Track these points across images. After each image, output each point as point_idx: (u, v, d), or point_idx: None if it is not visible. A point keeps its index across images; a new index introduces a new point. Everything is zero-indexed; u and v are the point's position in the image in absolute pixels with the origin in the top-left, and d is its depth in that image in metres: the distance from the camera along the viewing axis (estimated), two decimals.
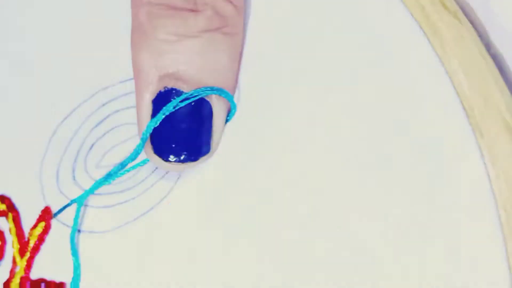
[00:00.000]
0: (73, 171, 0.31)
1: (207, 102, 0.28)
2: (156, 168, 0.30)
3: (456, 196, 0.25)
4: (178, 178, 0.30)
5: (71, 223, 0.30)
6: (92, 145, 0.31)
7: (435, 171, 0.25)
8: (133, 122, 0.31)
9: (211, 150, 0.28)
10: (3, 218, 0.32)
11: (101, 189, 0.31)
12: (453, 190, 0.25)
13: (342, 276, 0.26)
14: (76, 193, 0.31)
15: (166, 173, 0.30)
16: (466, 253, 0.24)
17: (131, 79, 0.31)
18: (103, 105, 0.32)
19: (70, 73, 0.33)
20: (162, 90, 0.28)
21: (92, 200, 0.31)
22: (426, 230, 0.25)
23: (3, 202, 0.32)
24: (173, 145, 0.28)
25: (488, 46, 0.27)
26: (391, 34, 0.27)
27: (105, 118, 0.31)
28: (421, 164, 0.25)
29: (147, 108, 0.28)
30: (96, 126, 0.31)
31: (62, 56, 0.33)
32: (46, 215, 0.31)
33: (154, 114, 0.28)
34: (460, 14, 0.26)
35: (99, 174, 0.31)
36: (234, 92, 0.29)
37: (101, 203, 0.31)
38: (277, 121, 0.28)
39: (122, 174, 0.30)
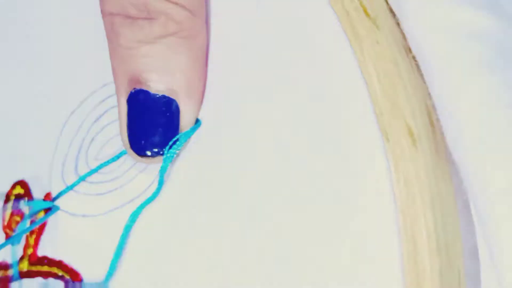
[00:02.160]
0: (76, 163, 0.35)
1: (173, 100, 0.31)
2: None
3: (361, 198, 0.26)
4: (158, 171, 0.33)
5: (66, 207, 0.35)
6: (92, 139, 0.35)
7: (344, 171, 0.26)
8: None
9: (180, 146, 0.31)
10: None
11: (96, 178, 0.35)
12: (359, 191, 0.26)
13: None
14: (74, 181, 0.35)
15: (147, 166, 0.33)
16: (367, 254, 0.25)
17: None
18: (102, 101, 0.35)
19: (74, 71, 0.36)
20: (133, 91, 0.31)
21: (87, 188, 0.35)
22: (332, 230, 0.26)
23: (22, 187, 0.37)
24: (143, 142, 0.31)
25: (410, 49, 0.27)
26: (317, 39, 0.28)
27: (103, 114, 0.35)
28: (332, 163, 0.26)
29: (123, 107, 0.31)
30: (96, 121, 0.35)
31: (65, 54, 0.37)
32: (47, 200, 0.35)
33: (128, 112, 0.31)
34: (380, 19, 0.27)
35: (97, 164, 0.35)
36: (202, 88, 0.32)
37: (94, 191, 0.34)
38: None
39: (99, 168, 0.34)
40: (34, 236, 0.35)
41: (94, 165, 0.35)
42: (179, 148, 0.31)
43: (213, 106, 0.31)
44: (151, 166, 0.33)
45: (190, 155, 0.32)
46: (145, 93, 0.31)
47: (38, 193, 0.36)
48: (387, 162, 0.25)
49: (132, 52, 0.30)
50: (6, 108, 0.38)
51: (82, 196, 0.34)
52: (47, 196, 0.35)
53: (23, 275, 0.35)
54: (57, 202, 0.35)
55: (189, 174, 0.32)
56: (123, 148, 0.34)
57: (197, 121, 0.32)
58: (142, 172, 0.33)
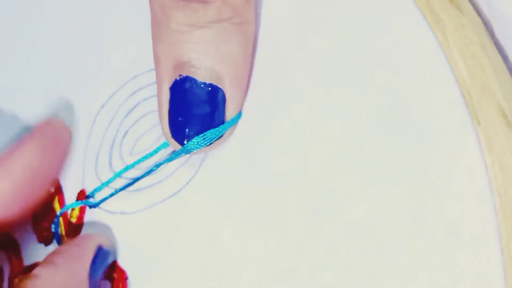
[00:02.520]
0: (110, 157, 0.33)
1: (220, 89, 0.29)
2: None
3: (454, 182, 0.25)
4: (201, 163, 0.31)
5: (104, 205, 0.33)
6: (126, 133, 0.33)
7: (433, 156, 0.26)
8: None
9: (224, 136, 0.30)
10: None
11: (131, 174, 0.33)
12: (451, 176, 0.25)
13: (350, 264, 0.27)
14: (109, 177, 0.33)
15: (189, 158, 0.32)
16: (463, 237, 0.25)
17: None
18: (133, 93, 0.33)
19: (102, 63, 0.35)
20: (178, 78, 0.29)
21: (122, 184, 0.33)
22: (424, 215, 0.25)
23: (52, 185, 0.34)
24: (187, 130, 0.29)
25: (492, 34, 0.27)
26: (395, 23, 0.27)
27: (135, 106, 0.33)
28: (420, 149, 0.26)
29: (165, 95, 0.30)
30: (128, 114, 0.33)
31: (94, 47, 0.35)
32: (81, 197, 0.33)
33: (171, 100, 0.29)
34: (463, 4, 0.26)
35: (132, 160, 0.33)
36: (247, 78, 0.30)
37: (133, 187, 0.33)
38: (289, 113, 0.29)
39: (137, 163, 0.32)
40: (70, 234, 0.32)
41: (129, 160, 0.33)
42: (218, 137, 0.30)
43: (268, 99, 0.30)
44: (193, 158, 0.32)
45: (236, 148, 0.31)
46: (192, 80, 0.29)
47: (70, 191, 0.34)
48: (478, 145, 0.25)
49: (182, 37, 0.29)
50: (34, 104, 0.36)
51: (120, 192, 0.32)
52: (81, 194, 0.33)
53: None
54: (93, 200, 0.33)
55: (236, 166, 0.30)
56: (160, 142, 0.33)
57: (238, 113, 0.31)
58: (183, 165, 0.32)
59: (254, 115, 0.30)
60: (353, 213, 0.27)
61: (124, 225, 0.32)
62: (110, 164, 0.33)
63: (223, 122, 0.30)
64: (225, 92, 0.29)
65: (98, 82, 0.35)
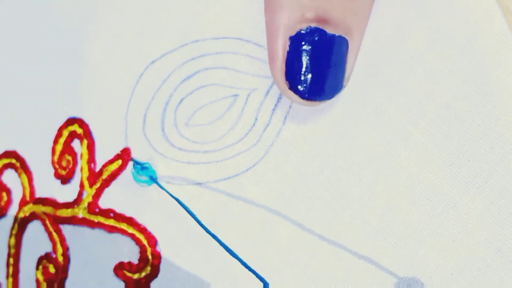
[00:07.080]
0: (162, 122, 0.31)
1: (346, 40, 0.27)
2: (244, 137, 0.30)
3: None
4: (265, 154, 0.30)
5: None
6: (182, 100, 0.31)
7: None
8: (222, 84, 0.30)
9: (343, 87, 0.28)
10: (77, 142, 0.33)
11: (187, 146, 0.31)
12: None
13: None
14: (162, 145, 0.31)
15: (254, 144, 0.30)
16: None
17: (224, 37, 0.30)
18: (193, 59, 0.31)
19: (161, 20, 0.32)
20: (304, 29, 0.27)
21: (176, 154, 0.31)
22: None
23: (81, 127, 0.32)
24: (316, 84, 0.27)
25: None
26: (486, 39, 0.26)
27: (194, 74, 0.31)
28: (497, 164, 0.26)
29: (283, 45, 0.27)
30: (185, 80, 0.31)
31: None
32: (125, 155, 0.31)
33: (292, 51, 0.27)
34: None
35: (189, 132, 0.31)
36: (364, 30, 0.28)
37: (185, 159, 0.31)
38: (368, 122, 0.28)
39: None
40: (96, 186, 0.31)
41: (184, 131, 0.31)
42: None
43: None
44: (258, 147, 0.30)
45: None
46: (321, 32, 0.26)
47: (104, 141, 0.32)
48: None
49: None
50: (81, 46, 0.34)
51: (170, 161, 0.31)
52: (125, 152, 0.31)
53: (76, 221, 0.31)
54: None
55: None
56: (223, 118, 0.30)
57: None
58: (246, 151, 0.30)
59: (329, 121, 0.29)
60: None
61: (166, 195, 0.30)
62: (163, 129, 0.31)
63: (343, 74, 0.27)
64: (349, 44, 0.27)
65: (149, 36, 0.32)
